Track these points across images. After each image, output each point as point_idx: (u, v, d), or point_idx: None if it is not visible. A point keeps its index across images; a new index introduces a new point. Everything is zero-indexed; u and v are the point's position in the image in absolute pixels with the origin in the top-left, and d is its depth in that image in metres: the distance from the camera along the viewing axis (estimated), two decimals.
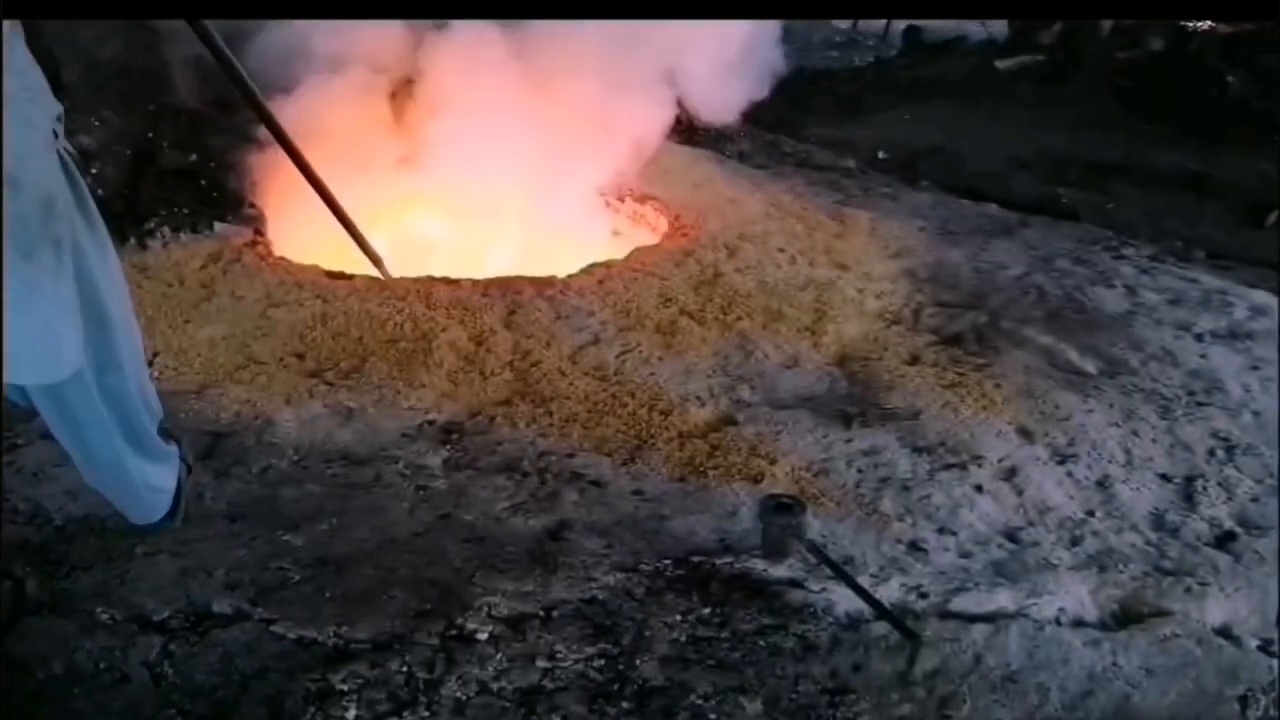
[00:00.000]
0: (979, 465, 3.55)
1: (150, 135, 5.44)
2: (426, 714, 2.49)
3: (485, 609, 2.78)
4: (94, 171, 5.07)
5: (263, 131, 5.00)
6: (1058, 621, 2.89)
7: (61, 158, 2.48)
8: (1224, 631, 2.90)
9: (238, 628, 2.72)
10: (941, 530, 3.23)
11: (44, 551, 2.97)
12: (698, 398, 3.88)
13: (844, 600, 2.87)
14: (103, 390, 2.71)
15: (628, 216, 5.79)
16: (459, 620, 2.74)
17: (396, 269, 4.70)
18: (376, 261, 4.59)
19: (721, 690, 2.58)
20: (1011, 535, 3.24)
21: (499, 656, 2.64)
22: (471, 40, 5.24)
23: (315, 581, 2.88)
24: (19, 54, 2.35)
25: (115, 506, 3.00)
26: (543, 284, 4.57)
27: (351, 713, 2.48)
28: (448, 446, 3.56)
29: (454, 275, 4.62)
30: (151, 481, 2.97)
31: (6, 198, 2.26)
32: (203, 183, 5.29)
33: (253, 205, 5.17)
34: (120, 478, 2.90)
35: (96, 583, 2.85)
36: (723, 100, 5.64)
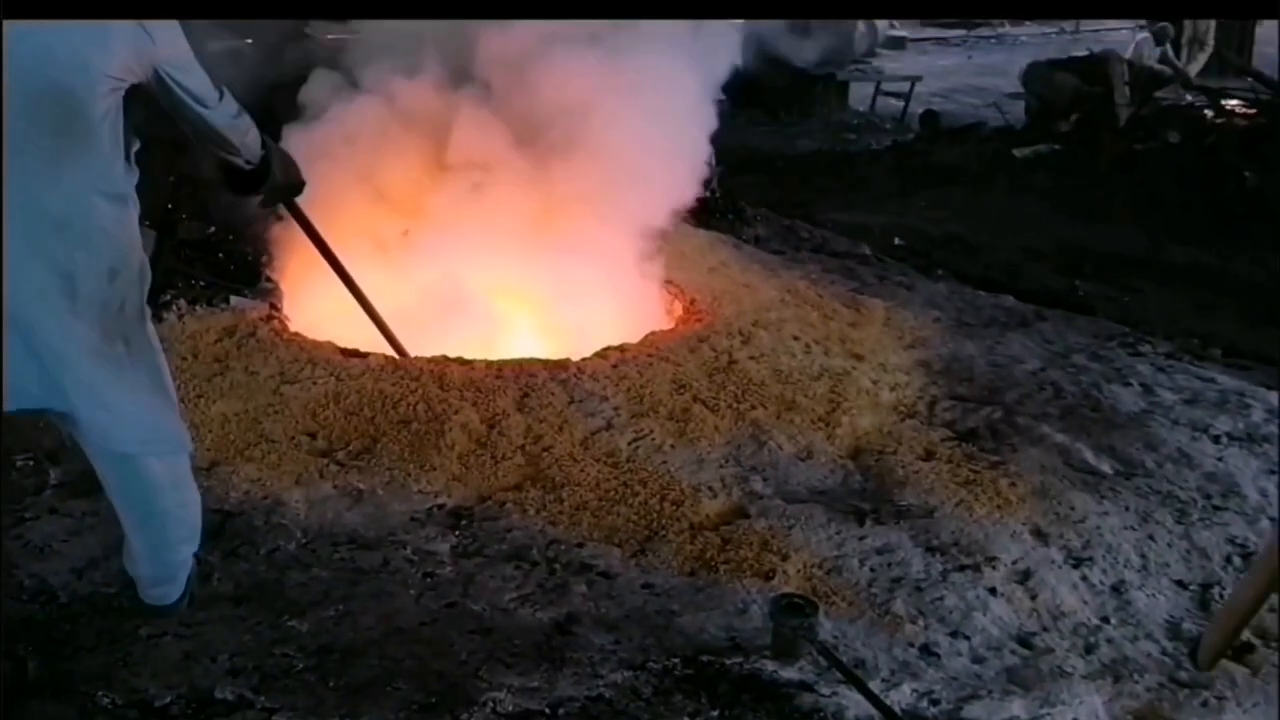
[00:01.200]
0: (993, 567, 3.51)
1: (169, 207, 5.47)
2: None
3: (490, 705, 2.74)
4: None
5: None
6: None
7: None
8: None
9: (239, 716, 2.69)
10: (954, 634, 3.18)
11: (48, 630, 2.95)
12: (710, 488, 3.85)
13: (855, 705, 2.82)
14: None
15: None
16: (463, 716, 2.70)
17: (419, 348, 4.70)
18: (395, 343, 4.57)
19: None
20: (1025, 641, 3.19)
21: None
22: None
23: (319, 670, 2.85)
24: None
25: (142, 588, 3.04)
26: (556, 367, 4.56)
27: None
28: (456, 532, 3.54)
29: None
30: (185, 560, 3.05)
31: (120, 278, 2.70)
32: (220, 255, 5.32)
33: (269, 279, 5.19)
34: (172, 559, 3.02)
35: (99, 664, 2.83)
36: None
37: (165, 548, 2.98)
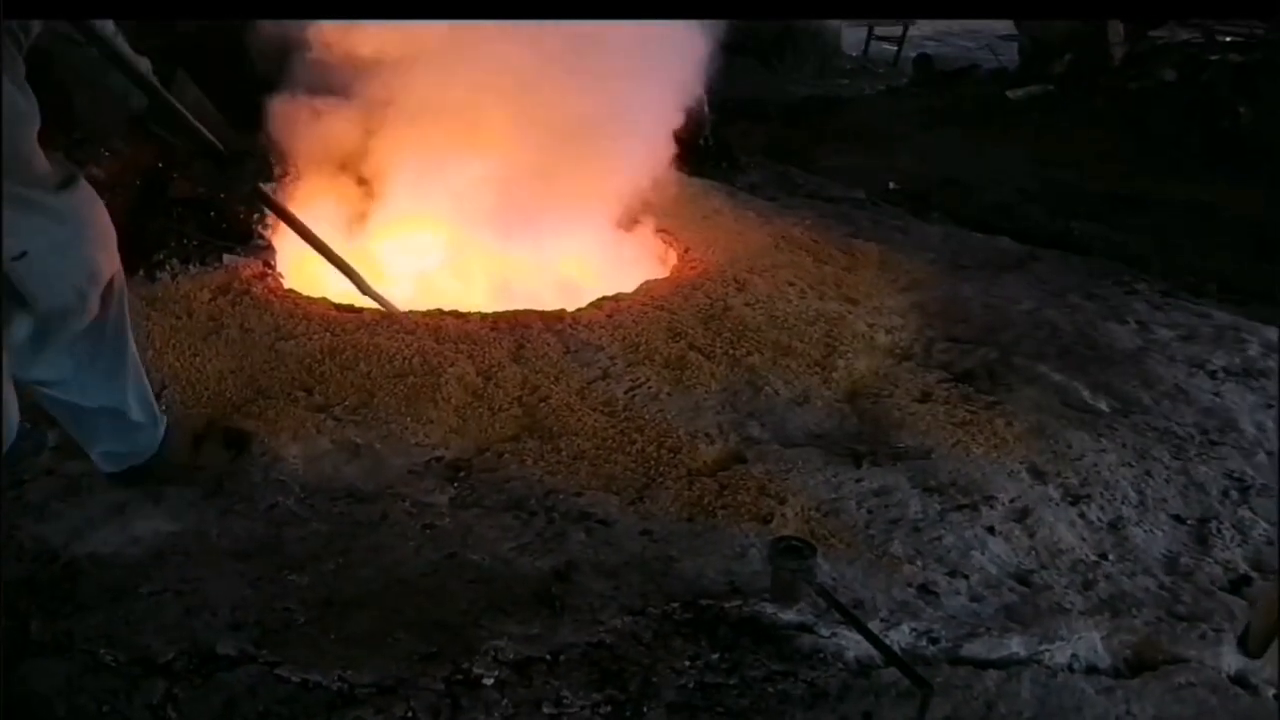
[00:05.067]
0: (990, 506, 3.52)
1: (160, 165, 5.43)
2: None
3: (491, 653, 2.75)
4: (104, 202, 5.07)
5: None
6: (1070, 668, 2.86)
7: None
8: (1240, 680, 2.87)
9: (242, 670, 2.69)
10: (953, 573, 3.20)
11: (48, 590, 2.95)
12: (707, 434, 3.85)
13: (854, 645, 2.84)
14: None
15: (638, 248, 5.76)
16: (465, 664, 2.71)
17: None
18: (386, 304, 4.58)
19: None
20: (1023, 578, 3.21)
21: (505, 702, 2.62)
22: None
23: (320, 623, 2.85)
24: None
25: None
26: (551, 318, 4.56)
27: None
28: (455, 484, 3.54)
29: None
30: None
31: None
32: (212, 214, 5.28)
33: (262, 237, 5.16)
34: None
35: (100, 623, 2.82)
36: None
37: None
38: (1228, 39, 10.47)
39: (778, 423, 3.99)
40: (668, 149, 5.53)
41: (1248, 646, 2.90)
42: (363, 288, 4.47)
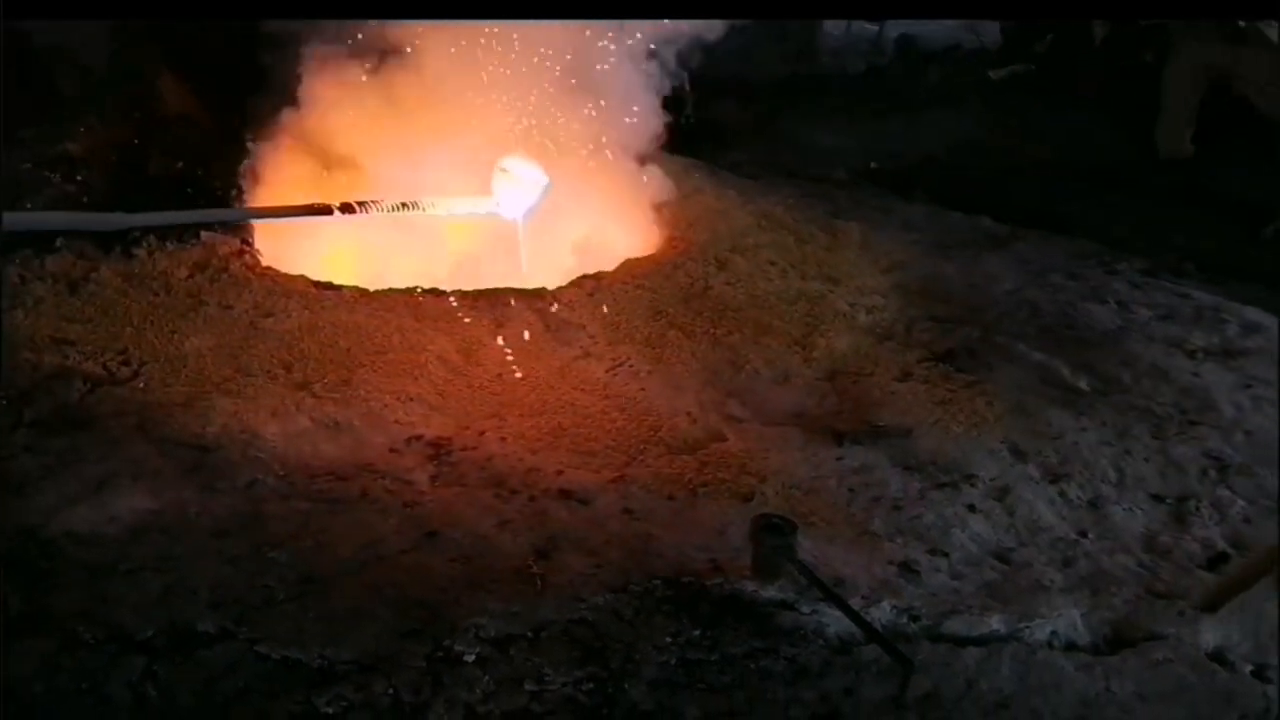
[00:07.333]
0: (971, 484, 3.53)
1: (137, 142, 5.40)
2: None
3: (473, 630, 2.74)
4: (80, 178, 5.04)
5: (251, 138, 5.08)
6: (1050, 645, 2.87)
7: None
8: (1217, 656, 2.88)
9: (221, 648, 2.68)
10: (933, 551, 3.21)
11: (26, 568, 2.93)
12: (688, 413, 3.85)
13: (835, 622, 2.84)
14: None
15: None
16: (446, 641, 2.70)
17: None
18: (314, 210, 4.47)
19: (711, 715, 2.56)
20: (1003, 556, 3.22)
21: (486, 679, 2.61)
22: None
23: (300, 600, 2.84)
24: None
25: None
26: (532, 296, 4.55)
27: None
28: (435, 462, 3.53)
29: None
30: None
31: None
32: (190, 190, 5.24)
33: None
34: None
35: (79, 600, 2.81)
36: None
37: None
38: None
39: (758, 401, 4.00)
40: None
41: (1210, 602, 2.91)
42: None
